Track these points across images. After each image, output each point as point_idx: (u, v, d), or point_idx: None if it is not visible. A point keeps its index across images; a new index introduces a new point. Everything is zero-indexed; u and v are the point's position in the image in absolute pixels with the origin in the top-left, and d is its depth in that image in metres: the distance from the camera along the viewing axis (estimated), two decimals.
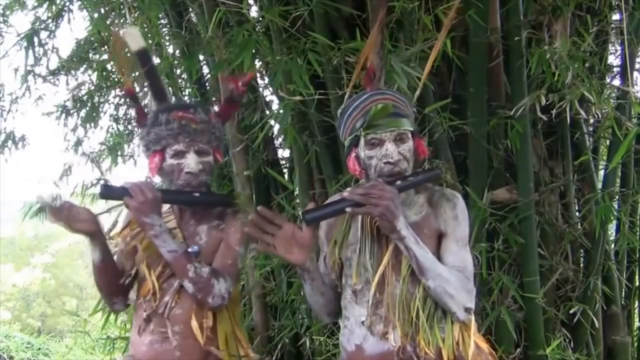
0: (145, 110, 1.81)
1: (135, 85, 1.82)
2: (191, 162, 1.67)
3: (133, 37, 1.75)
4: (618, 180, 2.83)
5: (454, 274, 1.50)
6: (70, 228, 1.61)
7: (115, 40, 1.75)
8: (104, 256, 1.68)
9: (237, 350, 1.72)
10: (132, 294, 1.79)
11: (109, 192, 1.63)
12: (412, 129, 1.57)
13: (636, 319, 3.09)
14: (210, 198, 1.80)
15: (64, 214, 1.60)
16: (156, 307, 1.66)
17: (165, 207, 1.69)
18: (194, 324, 1.64)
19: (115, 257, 1.75)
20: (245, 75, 1.79)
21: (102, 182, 1.62)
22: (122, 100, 3.98)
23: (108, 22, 3.28)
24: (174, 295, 1.67)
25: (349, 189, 1.52)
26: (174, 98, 3.14)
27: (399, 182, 1.52)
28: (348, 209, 1.46)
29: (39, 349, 6.68)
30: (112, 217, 1.83)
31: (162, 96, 1.83)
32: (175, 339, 1.65)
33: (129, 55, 1.80)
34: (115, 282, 1.73)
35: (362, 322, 1.54)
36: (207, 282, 1.60)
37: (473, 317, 1.56)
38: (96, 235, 1.65)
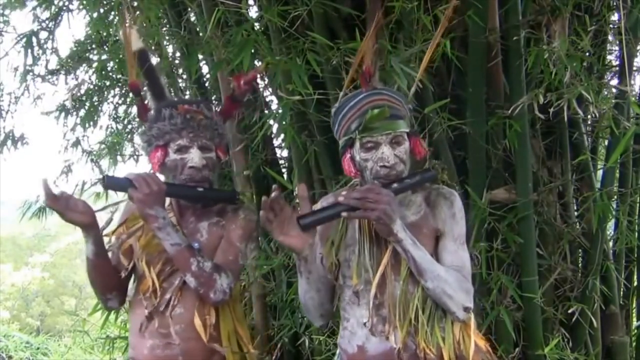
0: (148, 106, 1.81)
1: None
2: (195, 157, 1.67)
3: (133, 37, 1.77)
4: (616, 181, 2.83)
5: (452, 274, 1.50)
6: (65, 217, 1.60)
7: (124, 36, 1.75)
8: (98, 250, 1.66)
9: (239, 347, 1.72)
10: (130, 292, 1.78)
11: (112, 182, 1.61)
12: (408, 130, 1.57)
13: (634, 319, 3.09)
14: (214, 193, 1.79)
15: (62, 202, 1.59)
16: (157, 304, 1.66)
17: (165, 204, 1.68)
18: (197, 322, 1.63)
19: (109, 254, 1.74)
20: (248, 74, 1.79)
21: (104, 174, 1.60)
22: (121, 99, 4.00)
23: (107, 22, 3.28)
24: (176, 292, 1.66)
25: (344, 192, 1.51)
26: (174, 97, 3.14)
27: (395, 185, 1.52)
28: (344, 214, 1.46)
29: (38, 348, 6.69)
30: (107, 215, 1.82)
31: (162, 96, 1.84)
32: (178, 339, 1.64)
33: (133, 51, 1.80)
34: (108, 278, 1.71)
35: (364, 324, 1.54)
36: (210, 276, 1.59)
37: (472, 316, 1.57)
38: (91, 228, 1.64)
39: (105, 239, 1.72)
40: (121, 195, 1.75)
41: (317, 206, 1.67)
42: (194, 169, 1.67)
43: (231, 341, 1.69)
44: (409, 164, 1.58)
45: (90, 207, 1.65)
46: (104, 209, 1.79)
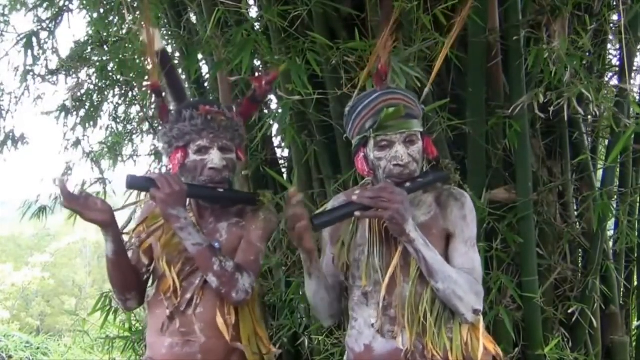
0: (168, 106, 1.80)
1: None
2: (215, 158, 1.65)
3: (156, 37, 1.76)
4: (616, 181, 2.83)
5: (462, 276, 1.49)
6: (85, 217, 1.59)
7: (147, 36, 1.74)
8: (117, 249, 1.65)
9: (259, 347, 1.72)
10: (150, 291, 1.77)
11: (135, 182, 1.60)
12: (421, 129, 1.57)
13: (634, 319, 3.10)
14: (234, 194, 1.78)
15: (80, 201, 1.58)
16: (178, 304, 1.65)
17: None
18: (219, 320, 1.63)
19: (129, 253, 1.73)
20: (269, 75, 1.78)
21: (127, 174, 1.61)
22: (121, 99, 3.99)
23: (107, 22, 3.28)
24: (198, 292, 1.65)
25: (357, 191, 1.50)
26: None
27: (408, 184, 1.52)
28: (357, 213, 1.46)
29: (38, 348, 6.70)
30: (126, 214, 1.81)
31: (182, 96, 1.83)
32: (203, 337, 1.64)
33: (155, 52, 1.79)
34: (128, 277, 1.70)
35: (372, 325, 1.54)
36: (232, 276, 1.58)
37: (482, 318, 1.56)
38: (110, 226, 1.62)
39: (125, 238, 1.70)
40: (121, 195, 1.75)
41: (329, 206, 1.68)
42: (214, 170, 1.66)
43: (251, 342, 1.69)
44: (421, 163, 1.58)
45: (109, 205, 1.64)
46: (123, 208, 1.78)
